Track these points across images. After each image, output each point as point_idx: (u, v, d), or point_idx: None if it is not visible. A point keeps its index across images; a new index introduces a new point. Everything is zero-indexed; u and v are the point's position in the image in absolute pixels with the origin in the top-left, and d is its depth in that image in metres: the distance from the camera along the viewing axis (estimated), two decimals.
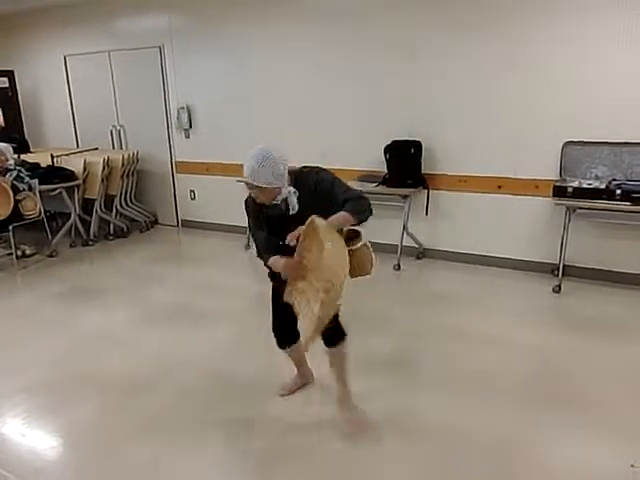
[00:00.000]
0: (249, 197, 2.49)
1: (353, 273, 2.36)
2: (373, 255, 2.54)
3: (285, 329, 2.73)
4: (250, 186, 2.37)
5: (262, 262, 2.52)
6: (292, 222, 2.32)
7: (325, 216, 2.22)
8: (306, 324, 2.19)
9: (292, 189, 2.40)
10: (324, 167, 2.50)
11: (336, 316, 2.36)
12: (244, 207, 2.57)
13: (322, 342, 2.51)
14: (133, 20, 6.27)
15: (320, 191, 2.38)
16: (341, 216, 2.30)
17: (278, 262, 2.39)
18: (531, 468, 2.31)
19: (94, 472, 2.39)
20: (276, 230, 2.42)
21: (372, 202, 5.09)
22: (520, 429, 2.57)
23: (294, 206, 2.39)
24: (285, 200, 2.39)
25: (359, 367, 3.15)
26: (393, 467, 2.35)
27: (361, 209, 2.36)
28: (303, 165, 2.52)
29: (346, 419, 2.63)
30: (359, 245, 2.44)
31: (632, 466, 2.27)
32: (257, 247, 2.53)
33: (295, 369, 2.94)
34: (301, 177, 2.43)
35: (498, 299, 4.19)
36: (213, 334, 3.68)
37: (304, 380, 3.00)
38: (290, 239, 2.28)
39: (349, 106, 5.22)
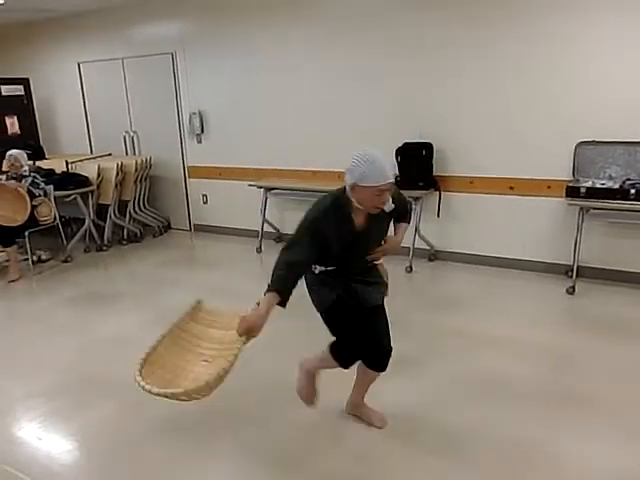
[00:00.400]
0: (340, 209, 2.33)
1: None
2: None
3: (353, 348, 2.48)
4: (386, 189, 2.21)
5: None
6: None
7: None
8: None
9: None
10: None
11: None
12: (322, 221, 2.34)
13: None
14: (146, 27, 6.34)
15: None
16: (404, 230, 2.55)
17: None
18: (543, 467, 2.29)
19: (110, 475, 2.42)
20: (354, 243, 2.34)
21: None
22: (535, 429, 2.55)
23: (392, 206, 2.32)
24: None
25: None
26: (404, 466, 2.35)
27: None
28: None
29: (370, 415, 2.65)
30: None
31: None
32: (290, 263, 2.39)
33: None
34: None
35: (511, 301, 4.16)
36: None
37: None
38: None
39: (360, 108, 5.23)
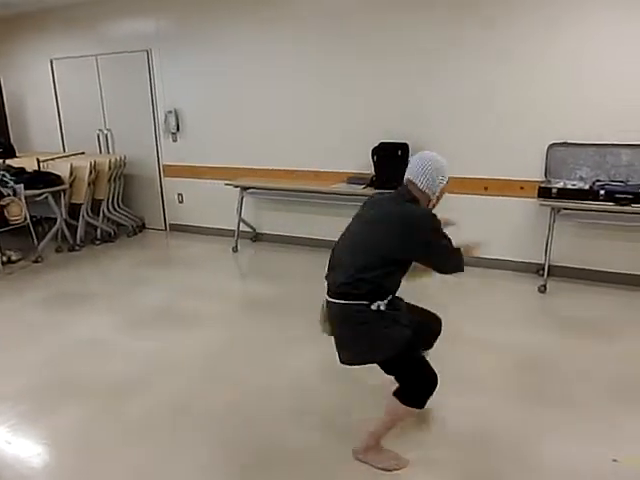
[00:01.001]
0: None
1: None
2: None
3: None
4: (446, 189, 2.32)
5: None
6: None
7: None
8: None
9: None
10: None
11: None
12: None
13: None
14: (120, 24, 6.25)
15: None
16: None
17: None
18: (516, 465, 2.33)
19: (81, 479, 2.37)
20: None
21: (359, 204, 5.12)
22: (506, 427, 2.59)
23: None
24: None
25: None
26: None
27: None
28: None
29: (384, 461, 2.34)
30: None
31: (614, 460, 2.30)
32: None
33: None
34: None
35: (484, 299, 4.22)
36: (201, 337, 3.67)
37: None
38: None
39: (337, 108, 5.25)
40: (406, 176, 2.26)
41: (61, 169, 5.84)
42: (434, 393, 2.20)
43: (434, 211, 2.23)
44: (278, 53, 5.40)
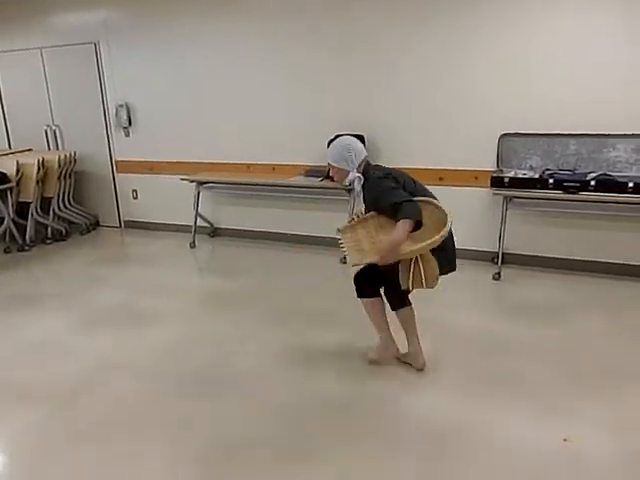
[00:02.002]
0: None
1: None
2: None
3: (365, 284, 3.00)
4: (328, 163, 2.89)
5: None
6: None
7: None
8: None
9: (358, 175, 2.79)
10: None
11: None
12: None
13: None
14: (66, 15, 6.04)
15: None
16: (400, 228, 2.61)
17: None
18: (468, 447, 2.38)
19: None
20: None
21: (317, 197, 5.18)
22: (457, 410, 2.65)
23: (357, 191, 2.83)
24: (352, 183, 2.81)
25: (306, 361, 3.18)
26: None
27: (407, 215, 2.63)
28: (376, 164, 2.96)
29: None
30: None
31: (564, 440, 2.39)
32: None
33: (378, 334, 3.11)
34: (368, 173, 2.81)
35: (440, 287, 4.28)
36: (159, 334, 3.61)
37: (390, 352, 3.13)
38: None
39: (292, 101, 5.23)
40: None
41: (7, 166, 5.60)
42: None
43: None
44: (233, 46, 5.33)
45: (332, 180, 4.04)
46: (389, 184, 2.70)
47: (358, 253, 2.76)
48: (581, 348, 3.25)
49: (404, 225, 2.57)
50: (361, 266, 2.92)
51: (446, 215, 2.65)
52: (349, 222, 2.91)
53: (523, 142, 4.44)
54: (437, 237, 2.57)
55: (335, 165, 2.84)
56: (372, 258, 2.67)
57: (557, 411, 2.63)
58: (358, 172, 2.80)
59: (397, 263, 2.71)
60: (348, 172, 2.81)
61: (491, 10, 4.31)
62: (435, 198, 2.81)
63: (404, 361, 3.08)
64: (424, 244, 2.58)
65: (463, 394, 2.80)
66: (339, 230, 2.89)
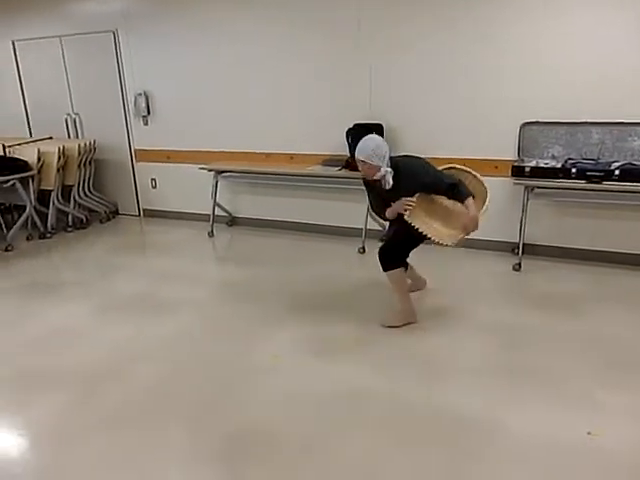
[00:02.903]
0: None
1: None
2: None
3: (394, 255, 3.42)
4: (357, 160, 3.18)
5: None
6: (390, 196, 3.24)
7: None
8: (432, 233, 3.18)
9: (389, 169, 3.14)
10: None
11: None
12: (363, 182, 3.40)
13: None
14: (85, 3, 6.05)
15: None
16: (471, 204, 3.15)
17: (391, 212, 3.30)
18: (493, 440, 2.37)
19: (57, 469, 2.34)
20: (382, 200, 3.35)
21: (335, 186, 5.16)
22: (482, 403, 2.63)
23: (389, 183, 3.17)
24: (383, 177, 3.16)
25: (324, 350, 3.19)
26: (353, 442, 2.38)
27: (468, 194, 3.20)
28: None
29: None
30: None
31: (589, 433, 2.37)
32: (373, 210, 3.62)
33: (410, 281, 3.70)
34: (397, 164, 3.19)
35: (460, 279, 4.26)
36: (177, 323, 3.64)
37: (419, 286, 3.84)
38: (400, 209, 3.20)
39: (310, 90, 5.19)
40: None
41: (28, 155, 5.67)
42: None
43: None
44: (254, 35, 5.29)
45: (351, 170, 4.27)
46: (433, 167, 3.24)
47: (438, 233, 3.20)
48: (603, 340, 3.21)
49: (471, 202, 3.12)
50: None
51: (484, 186, 3.32)
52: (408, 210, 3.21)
53: (545, 131, 4.37)
54: (487, 204, 3.26)
55: (368, 162, 3.12)
56: (458, 233, 3.18)
57: (580, 404, 2.60)
58: (388, 166, 3.14)
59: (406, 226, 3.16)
60: (380, 167, 3.12)
61: None
62: None
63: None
64: (481, 210, 3.22)
65: (483, 386, 2.79)
66: (408, 217, 3.17)
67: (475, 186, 3.31)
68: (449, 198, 3.22)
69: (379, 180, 3.18)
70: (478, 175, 3.39)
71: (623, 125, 4.08)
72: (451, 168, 3.50)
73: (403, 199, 3.16)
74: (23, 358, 3.27)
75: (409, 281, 3.72)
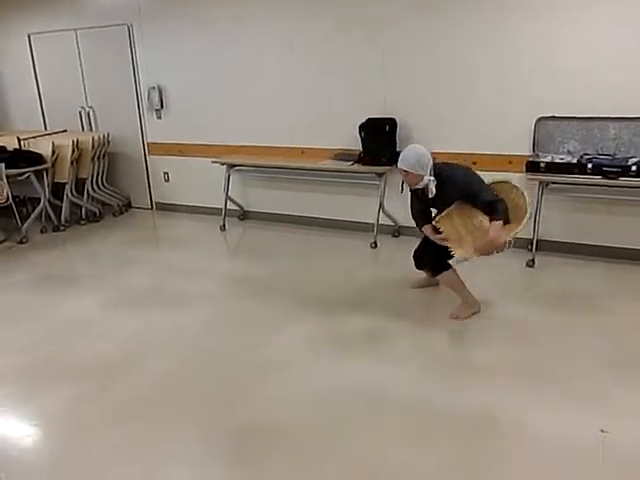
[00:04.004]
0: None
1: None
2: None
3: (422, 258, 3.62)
4: (399, 170, 3.25)
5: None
6: (433, 204, 3.38)
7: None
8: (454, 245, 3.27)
9: (432, 178, 3.17)
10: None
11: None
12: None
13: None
14: None
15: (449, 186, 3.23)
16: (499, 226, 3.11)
17: (426, 230, 3.49)
18: (504, 437, 2.35)
19: (70, 459, 2.37)
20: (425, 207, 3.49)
21: (347, 181, 5.16)
22: (493, 399, 2.61)
23: (432, 191, 3.21)
24: (427, 186, 3.21)
25: (336, 346, 3.18)
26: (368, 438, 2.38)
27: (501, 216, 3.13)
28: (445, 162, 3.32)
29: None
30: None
31: (602, 431, 2.34)
32: (413, 216, 3.65)
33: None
34: (440, 172, 3.21)
35: (474, 274, 4.22)
36: (189, 317, 3.65)
37: (433, 282, 3.81)
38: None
39: (323, 84, 5.17)
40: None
41: (43, 147, 5.71)
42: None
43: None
44: (266, 29, 5.28)
45: (363, 164, 4.25)
46: (477, 179, 3.21)
47: (459, 245, 3.23)
48: (618, 337, 3.17)
49: (499, 226, 3.07)
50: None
51: (523, 199, 3.28)
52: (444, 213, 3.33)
53: (560, 126, 4.31)
54: (520, 227, 3.20)
55: (411, 172, 3.17)
56: (471, 252, 3.18)
57: (594, 402, 2.58)
58: (431, 175, 3.17)
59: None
60: (422, 177, 3.17)
61: None
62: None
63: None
64: (512, 233, 3.17)
65: (496, 383, 2.76)
66: (436, 221, 3.34)
67: (518, 202, 3.30)
68: (485, 214, 3.20)
69: (422, 188, 3.25)
70: (525, 194, 3.31)
71: None
72: (503, 182, 3.44)
73: (436, 236, 3.34)
74: (36, 349, 3.30)
75: (423, 275, 3.80)
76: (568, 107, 4.22)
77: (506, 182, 3.43)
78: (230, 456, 2.32)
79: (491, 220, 3.10)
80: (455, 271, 3.44)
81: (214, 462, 2.29)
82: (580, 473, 2.14)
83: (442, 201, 3.31)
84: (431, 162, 3.20)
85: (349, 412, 2.58)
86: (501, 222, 3.07)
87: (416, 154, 3.17)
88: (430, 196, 3.25)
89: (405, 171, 3.20)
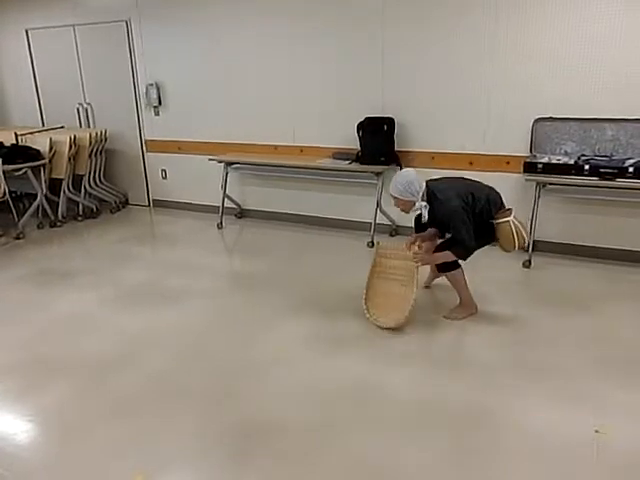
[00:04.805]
0: None
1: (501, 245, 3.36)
2: (516, 235, 3.26)
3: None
4: (391, 196, 3.29)
5: None
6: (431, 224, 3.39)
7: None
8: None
9: (424, 203, 3.19)
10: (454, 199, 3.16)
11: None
12: None
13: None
14: None
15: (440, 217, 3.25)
16: (443, 255, 3.27)
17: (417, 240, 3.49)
18: (498, 436, 2.37)
19: (65, 455, 2.37)
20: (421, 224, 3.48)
21: (345, 180, 5.17)
22: (488, 398, 2.63)
23: (425, 217, 3.24)
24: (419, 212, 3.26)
25: (332, 344, 3.19)
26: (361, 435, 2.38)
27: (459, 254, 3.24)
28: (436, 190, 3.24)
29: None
30: (501, 221, 3.28)
31: (596, 431, 2.35)
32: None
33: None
34: (432, 198, 3.21)
35: (471, 275, 4.23)
36: (186, 313, 3.66)
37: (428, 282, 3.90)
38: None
39: (322, 83, 5.17)
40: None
41: (40, 143, 5.70)
42: None
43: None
44: (263, 27, 5.27)
45: (361, 163, 4.25)
46: (461, 217, 3.13)
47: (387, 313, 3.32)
48: (613, 338, 3.18)
49: (448, 256, 3.22)
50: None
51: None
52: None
53: (558, 127, 4.32)
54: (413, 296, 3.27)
55: (402, 198, 3.21)
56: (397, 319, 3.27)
57: (588, 401, 2.59)
58: (423, 200, 3.19)
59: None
60: (414, 203, 3.20)
61: None
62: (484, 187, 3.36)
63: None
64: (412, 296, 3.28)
65: (491, 383, 2.77)
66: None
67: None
68: (448, 244, 3.31)
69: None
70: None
71: (638, 122, 4.02)
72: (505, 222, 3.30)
73: (412, 252, 3.36)
74: (31, 345, 3.30)
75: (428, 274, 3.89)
76: (566, 108, 4.24)
77: (508, 223, 3.29)
78: (226, 453, 2.33)
79: (447, 248, 3.24)
80: (463, 271, 3.44)
81: (210, 459, 2.29)
82: (575, 471, 2.16)
83: (438, 225, 3.40)
84: (423, 187, 3.19)
85: (345, 410, 2.59)
86: (450, 255, 3.21)
87: (406, 181, 3.18)
88: (423, 222, 3.29)
89: (396, 197, 3.23)
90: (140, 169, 6.54)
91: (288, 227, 5.57)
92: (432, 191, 3.22)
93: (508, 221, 3.26)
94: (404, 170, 3.39)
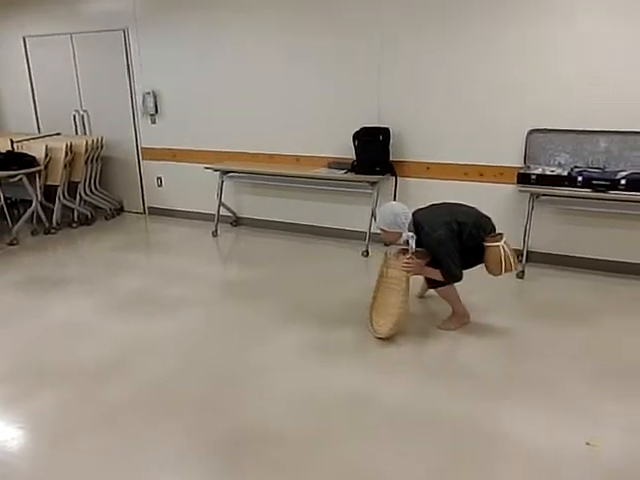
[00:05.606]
0: None
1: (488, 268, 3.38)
2: (504, 261, 3.27)
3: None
4: (378, 228, 3.35)
5: None
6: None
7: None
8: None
9: (411, 234, 3.20)
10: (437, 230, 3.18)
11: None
12: None
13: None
14: (96, 1, 6.08)
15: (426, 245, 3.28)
16: (433, 271, 3.29)
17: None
18: (489, 447, 2.36)
19: (56, 463, 2.35)
20: None
21: (341, 189, 5.18)
22: (481, 409, 2.63)
23: (412, 248, 3.23)
24: (407, 242, 3.23)
25: (326, 353, 3.19)
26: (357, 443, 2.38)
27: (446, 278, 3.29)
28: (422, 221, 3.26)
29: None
30: (491, 245, 3.29)
31: (587, 444, 2.35)
32: None
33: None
34: (418, 229, 3.24)
35: (463, 284, 4.24)
36: (180, 321, 3.65)
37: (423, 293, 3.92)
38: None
39: (318, 92, 5.20)
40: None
41: (36, 150, 5.70)
42: None
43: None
44: (260, 37, 5.31)
45: (357, 173, 4.22)
46: (446, 249, 3.17)
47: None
48: (606, 349, 3.19)
49: (437, 274, 3.25)
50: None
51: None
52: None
53: (552, 138, 4.36)
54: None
55: (389, 230, 3.25)
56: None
57: (580, 414, 2.59)
58: (410, 231, 3.22)
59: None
60: (401, 234, 3.22)
61: (521, 3, 4.22)
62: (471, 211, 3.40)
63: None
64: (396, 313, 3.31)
65: (483, 394, 2.78)
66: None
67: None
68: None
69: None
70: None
71: (630, 134, 4.07)
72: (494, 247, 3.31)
73: (401, 261, 3.31)
74: (24, 352, 3.28)
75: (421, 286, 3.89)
76: (559, 120, 4.27)
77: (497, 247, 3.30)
78: (218, 462, 2.32)
79: (438, 267, 3.24)
80: (453, 285, 3.42)
81: (203, 468, 2.28)
82: None
83: (423, 247, 3.36)
84: (409, 219, 3.22)
85: (339, 419, 2.58)
86: (439, 274, 3.25)
87: (392, 213, 3.22)
88: (411, 252, 3.25)
89: (383, 230, 3.28)
90: (136, 176, 6.54)
91: (283, 235, 5.57)
92: (418, 221, 3.25)
93: (498, 246, 3.26)
94: (390, 203, 3.44)
